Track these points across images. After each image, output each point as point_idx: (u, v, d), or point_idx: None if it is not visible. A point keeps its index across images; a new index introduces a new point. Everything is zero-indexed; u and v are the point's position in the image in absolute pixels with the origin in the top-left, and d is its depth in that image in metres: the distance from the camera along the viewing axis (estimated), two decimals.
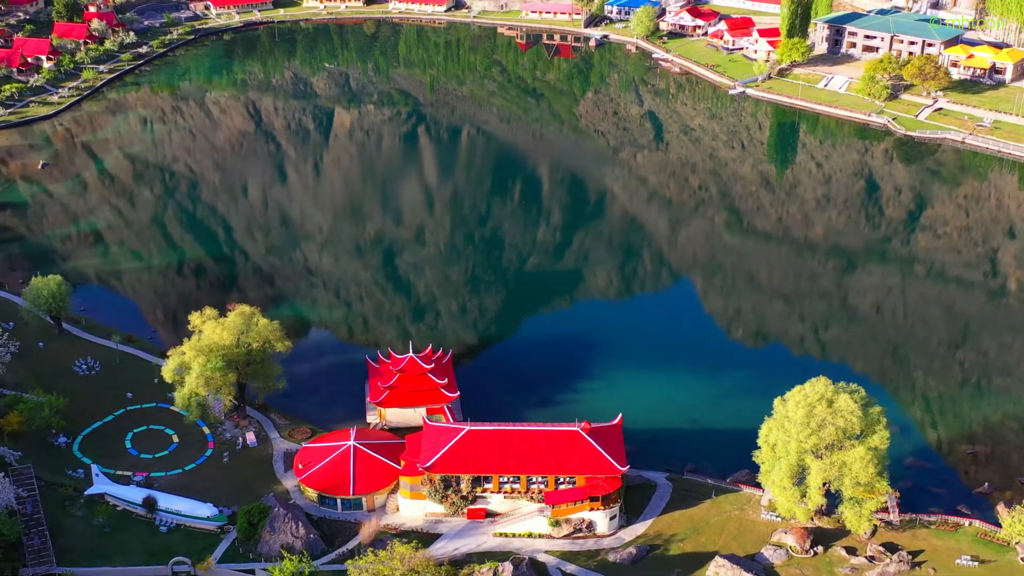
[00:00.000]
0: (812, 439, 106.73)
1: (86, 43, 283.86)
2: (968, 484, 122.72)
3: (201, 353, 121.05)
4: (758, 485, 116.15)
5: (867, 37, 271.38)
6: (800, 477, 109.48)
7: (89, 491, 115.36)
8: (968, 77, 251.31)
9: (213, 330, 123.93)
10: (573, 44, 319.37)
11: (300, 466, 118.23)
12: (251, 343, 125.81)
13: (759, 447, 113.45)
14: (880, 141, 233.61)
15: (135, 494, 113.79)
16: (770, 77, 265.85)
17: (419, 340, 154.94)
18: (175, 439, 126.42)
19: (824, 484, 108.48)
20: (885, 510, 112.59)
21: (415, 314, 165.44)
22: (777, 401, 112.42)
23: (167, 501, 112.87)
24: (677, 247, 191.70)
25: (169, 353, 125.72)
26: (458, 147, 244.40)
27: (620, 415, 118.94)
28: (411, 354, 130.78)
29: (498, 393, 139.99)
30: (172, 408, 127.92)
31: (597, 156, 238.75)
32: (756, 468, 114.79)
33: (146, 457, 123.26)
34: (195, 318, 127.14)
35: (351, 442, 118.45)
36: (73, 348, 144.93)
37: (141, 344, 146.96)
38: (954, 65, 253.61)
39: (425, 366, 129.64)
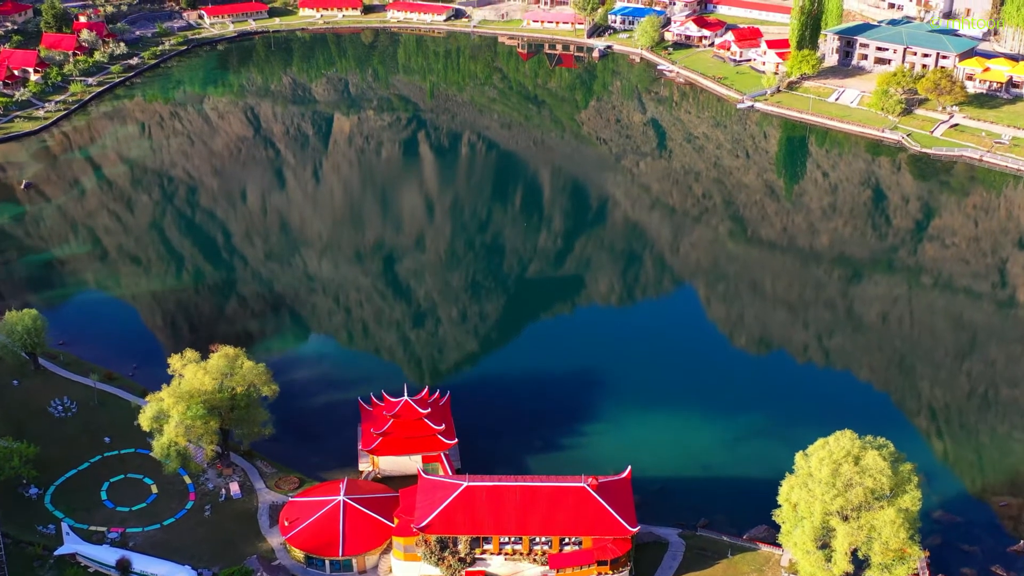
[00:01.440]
0: (838, 500, 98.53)
1: (75, 55, 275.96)
2: (1002, 538, 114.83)
3: (181, 400, 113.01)
4: (777, 543, 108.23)
5: (879, 49, 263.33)
6: (824, 539, 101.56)
7: (59, 551, 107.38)
8: (984, 91, 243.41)
9: (194, 374, 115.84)
10: (576, 54, 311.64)
11: (286, 523, 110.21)
12: (235, 387, 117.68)
13: (779, 504, 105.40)
14: (894, 158, 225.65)
15: (108, 555, 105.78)
16: (779, 90, 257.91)
17: (419, 345, 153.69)
18: (154, 490, 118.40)
19: (850, 548, 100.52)
20: (915, 573, 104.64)
21: (415, 319, 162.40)
22: (799, 456, 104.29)
23: (142, 563, 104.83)
24: (680, 254, 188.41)
25: (147, 399, 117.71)
26: (458, 153, 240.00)
27: (629, 468, 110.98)
28: (406, 397, 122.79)
29: (497, 427, 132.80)
30: (151, 454, 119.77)
31: (599, 163, 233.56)
32: (774, 522, 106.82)
33: (122, 510, 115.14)
34: (175, 361, 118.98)
35: (341, 497, 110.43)
36: (49, 387, 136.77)
37: (121, 382, 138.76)
38: (969, 79, 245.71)
39: (421, 411, 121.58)
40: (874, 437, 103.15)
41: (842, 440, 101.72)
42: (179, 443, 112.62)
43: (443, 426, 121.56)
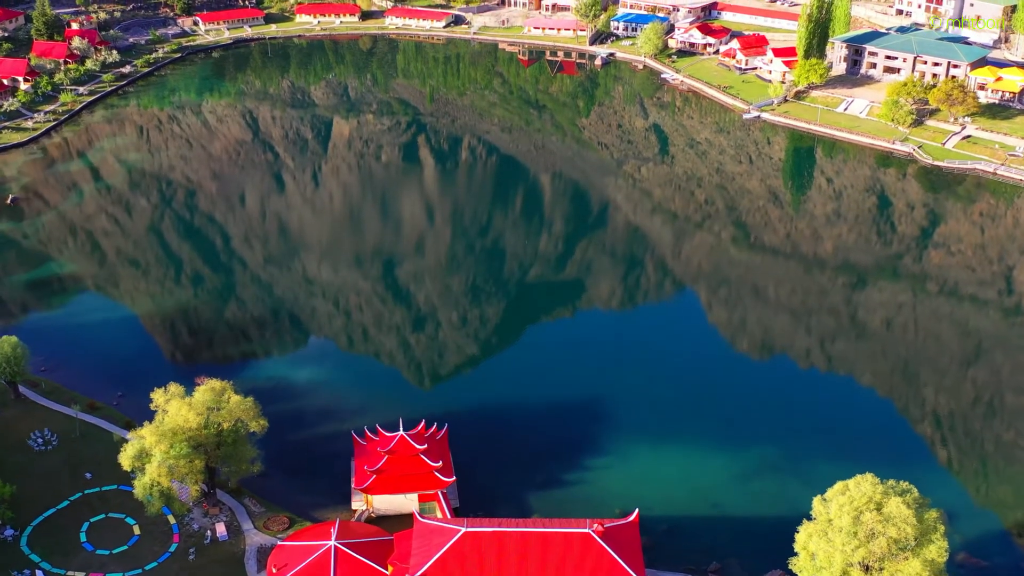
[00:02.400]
0: (860, 551, 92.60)
1: (66, 63, 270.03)
2: None
3: (163, 438, 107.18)
4: None
5: (888, 57, 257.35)
6: None
7: None
8: (997, 101, 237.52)
9: (178, 410, 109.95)
10: (578, 61, 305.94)
11: (274, 569, 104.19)
12: (221, 423, 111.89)
13: (794, 549, 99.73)
14: (905, 171, 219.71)
15: None
16: (786, 100, 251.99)
17: (419, 349, 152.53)
18: (136, 531, 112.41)
19: None
20: None
21: (415, 324, 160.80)
22: (817, 502, 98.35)
23: None
24: (682, 259, 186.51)
25: (128, 436, 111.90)
26: (459, 157, 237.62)
27: (636, 511, 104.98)
28: (401, 432, 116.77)
29: (496, 456, 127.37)
30: (134, 492, 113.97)
31: (600, 167, 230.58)
32: (789, 569, 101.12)
33: (102, 553, 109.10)
34: (158, 396, 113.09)
35: (332, 542, 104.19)
36: (29, 417, 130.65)
37: (105, 412, 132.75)
38: (981, 88, 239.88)
39: (417, 446, 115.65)
40: (896, 481, 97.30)
41: (863, 485, 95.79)
42: (162, 483, 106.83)
43: (440, 463, 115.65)
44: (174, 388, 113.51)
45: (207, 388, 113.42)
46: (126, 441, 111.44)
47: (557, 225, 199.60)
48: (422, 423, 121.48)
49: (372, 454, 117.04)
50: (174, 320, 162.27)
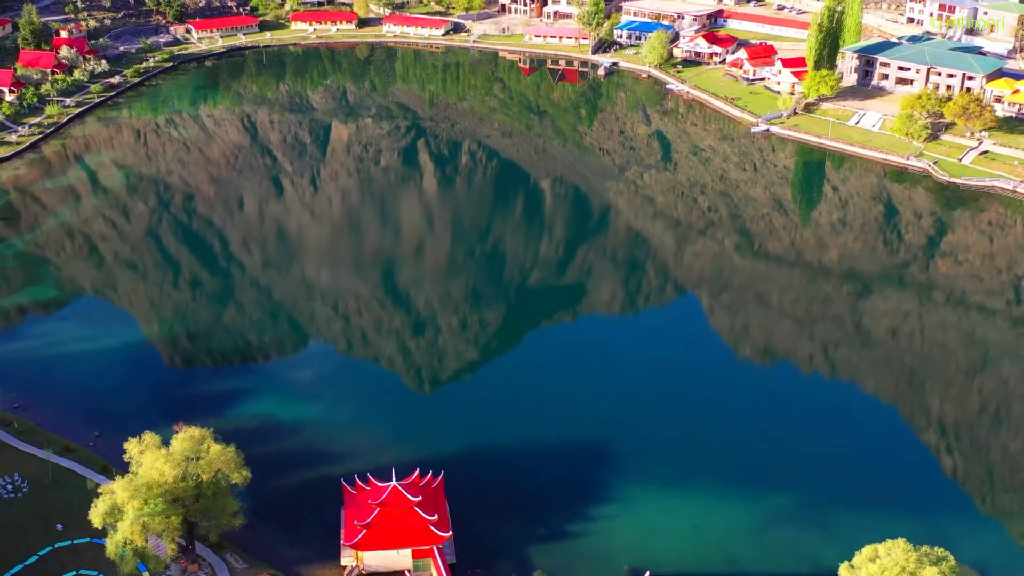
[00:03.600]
0: None
1: (53, 73, 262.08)
2: None
3: (137, 494, 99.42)
4: None
5: (901, 69, 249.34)
6: None
7: None
8: (1014, 115, 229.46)
9: (153, 463, 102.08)
10: (580, 69, 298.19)
11: None
12: (200, 474, 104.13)
13: None
14: (920, 188, 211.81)
15: None
16: (795, 112, 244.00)
17: (418, 354, 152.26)
18: None
19: None
20: None
21: (415, 328, 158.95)
22: (844, 570, 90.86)
23: None
24: (684, 264, 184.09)
25: (100, 491, 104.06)
26: (459, 161, 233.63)
27: (648, 574, 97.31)
28: (393, 482, 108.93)
29: (495, 503, 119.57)
30: (106, 550, 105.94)
31: (601, 173, 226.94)
32: None
33: None
34: (132, 447, 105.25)
35: None
36: None
37: (80, 454, 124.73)
38: (997, 101, 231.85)
39: (411, 498, 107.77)
40: (931, 547, 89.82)
41: (895, 552, 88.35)
42: (135, 541, 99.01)
43: (436, 516, 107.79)
44: (149, 439, 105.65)
45: (185, 436, 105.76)
46: (101, 491, 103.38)
47: (558, 231, 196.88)
48: (416, 472, 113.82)
49: (363, 506, 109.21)
50: (161, 345, 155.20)
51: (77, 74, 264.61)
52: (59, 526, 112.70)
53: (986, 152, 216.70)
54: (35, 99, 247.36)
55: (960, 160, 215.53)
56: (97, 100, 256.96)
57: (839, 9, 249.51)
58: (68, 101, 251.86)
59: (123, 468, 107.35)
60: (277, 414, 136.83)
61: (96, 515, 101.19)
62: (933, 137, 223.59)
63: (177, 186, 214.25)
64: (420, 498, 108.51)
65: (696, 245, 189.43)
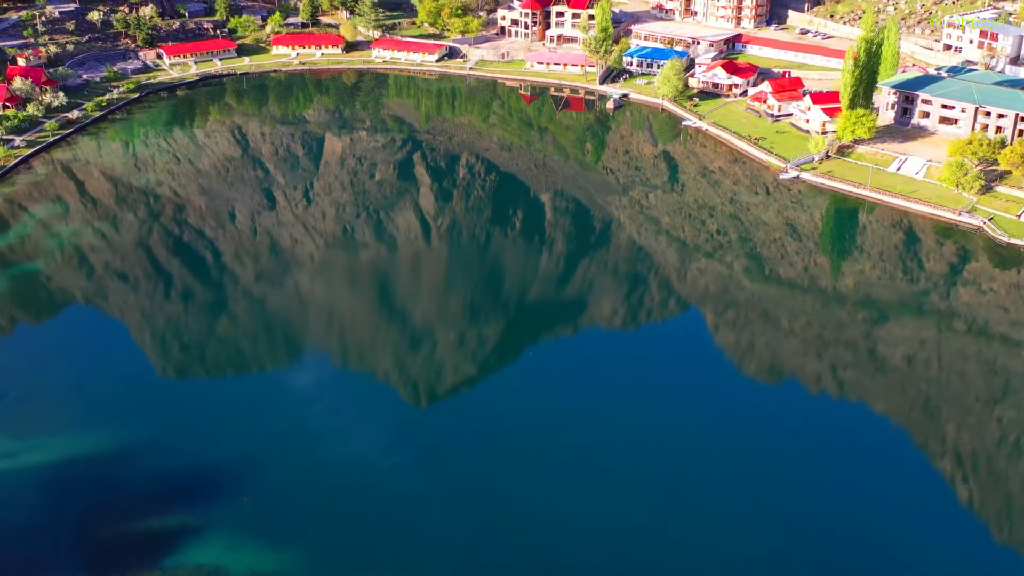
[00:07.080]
0: None
1: (5, 107, 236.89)
2: None
3: None
4: None
5: (945, 107, 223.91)
6: None
7: None
8: None
9: None
10: (586, 97, 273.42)
11: None
12: None
13: None
14: (973, 247, 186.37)
15: None
16: (828, 156, 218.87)
17: (415, 370, 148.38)
18: None
19: None
20: None
21: (412, 343, 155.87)
22: None
23: None
24: (688, 281, 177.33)
25: None
26: (456, 175, 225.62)
27: None
28: None
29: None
30: None
31: (604, 190, 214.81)
32: None
33: None
34: None
35: None
36: None
37: None
38: None
39: None
40: None
41: None
42: None
43: None
44: None
45: None
46: None
47: (559, 245, 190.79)
48: None
49: None
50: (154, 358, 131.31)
51: (31, 108, 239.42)
52: None
53: None
54: None
55: (1020, 217, 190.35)
56: (51, 139, 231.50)
57: (878, 40, 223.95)
58: (18, 140, 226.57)
59: None
60: (272, 427, 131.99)
61: None
62: (987, 188, 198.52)
63: (138, 255, 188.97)
64: None
65: (703, 267, 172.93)
